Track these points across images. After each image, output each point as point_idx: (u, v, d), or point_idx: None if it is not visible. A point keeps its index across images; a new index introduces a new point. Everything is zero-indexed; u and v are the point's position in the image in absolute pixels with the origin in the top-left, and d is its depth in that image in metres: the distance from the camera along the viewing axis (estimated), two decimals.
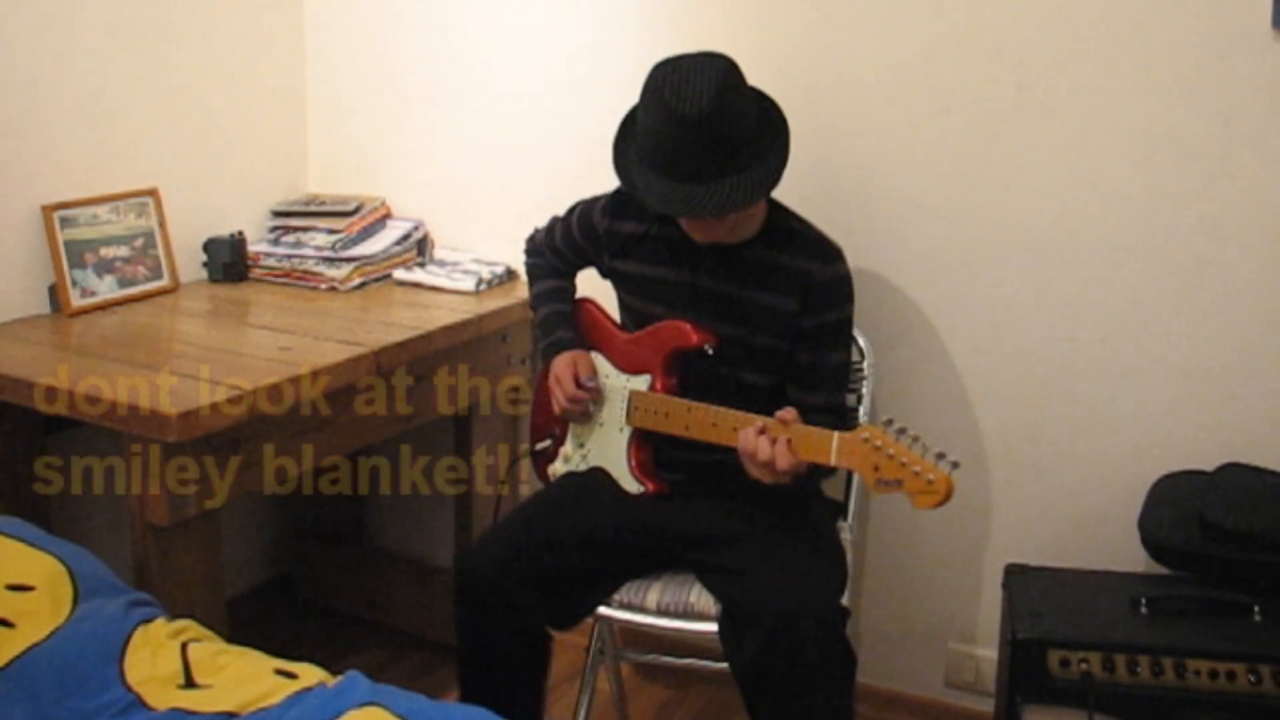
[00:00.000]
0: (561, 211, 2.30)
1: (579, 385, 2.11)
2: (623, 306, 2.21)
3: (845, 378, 2.12)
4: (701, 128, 1.86)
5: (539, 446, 2.28)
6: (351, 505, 3.11)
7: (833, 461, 1.82)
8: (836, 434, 1.82)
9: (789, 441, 1.84)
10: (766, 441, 1.85)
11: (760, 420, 1.88)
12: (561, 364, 2.15)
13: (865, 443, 1.78)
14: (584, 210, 2.22)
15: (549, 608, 2.04)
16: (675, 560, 2.09)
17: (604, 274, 2.23)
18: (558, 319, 2.23)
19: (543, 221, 2.37)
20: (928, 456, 1.75)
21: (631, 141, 2.02)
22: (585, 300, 2.28)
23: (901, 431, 1.76)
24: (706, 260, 2.07)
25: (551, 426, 2.26)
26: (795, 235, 2.07)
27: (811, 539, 2.06)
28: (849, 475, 2.31)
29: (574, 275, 2.32)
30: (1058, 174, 2.27)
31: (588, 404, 2.14)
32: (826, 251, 2.06)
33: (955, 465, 1.74)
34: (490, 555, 2.04)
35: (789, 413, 1.87)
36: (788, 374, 2.07)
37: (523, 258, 2.38)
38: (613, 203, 2.17)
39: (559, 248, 2.28)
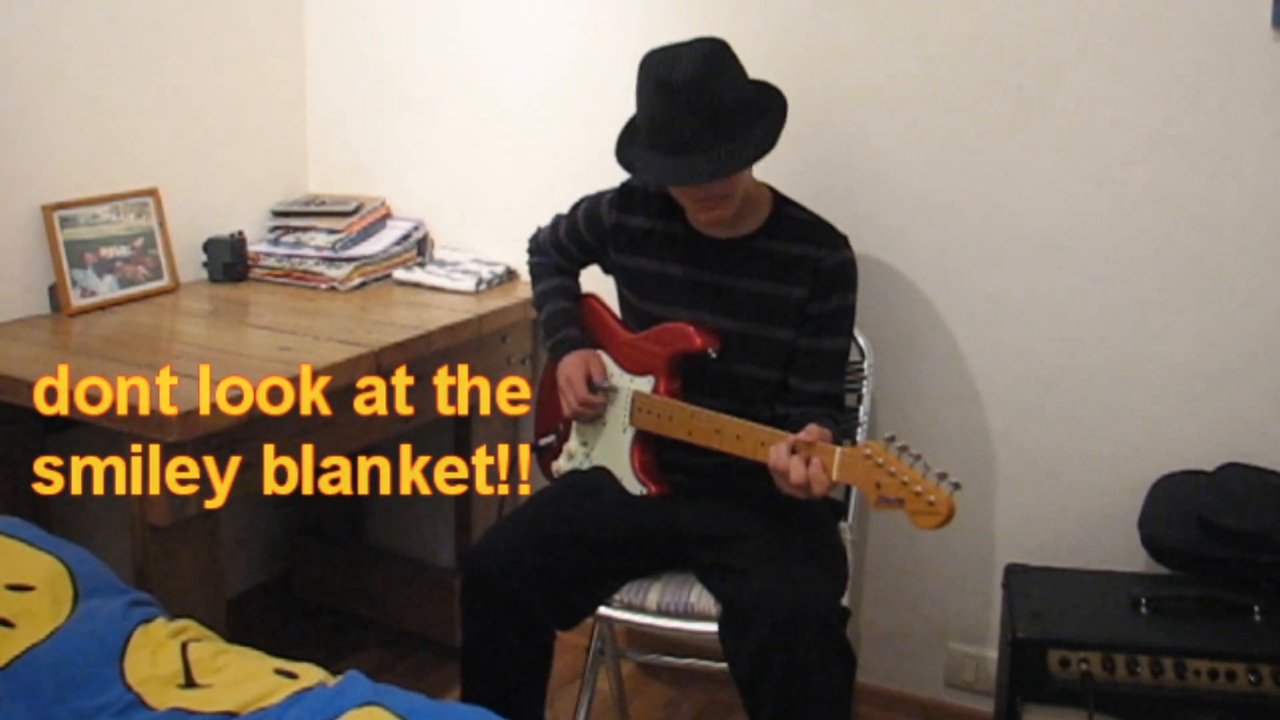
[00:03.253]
0: (564, 209, 2.30)
1: (591, 388, 2.11)
2: (624, 303, 2.21)
3: (843, 367, 2.11)
4: (688, 93, 1.88)
5: (543, 442, 2.28)
6: (351, 505, 3.11)
7: (834, 477, 1.81)
8: (838, 449, 1.81)
9: (822, 463, 1.81)
10: (800, 462, 1.82)
11: (790, 437, 1.85)
12: (572, 365, 2.14)
13: (868, 459, 1.77)
14: (590, 204, 2.22)
15: (554, 607, 2.04)
16: (676, 560, 2.09)
17: (607, 270, 2.23)
18: (564, 316, 2.23)
19: (543, 220, 2.37)
20: (930, 476, 1.73)
21: (634, 136, 2.03)
22: (590, 296, 2.28)
23: (904, 449, 1.75)
24: (714, 255, 2.08)
25: (556, 423, 2.26)
26: (801, 224, 2.07)
27: (812, 539, 2.06)
28: None
29: (578, 273, 2.32)
30: (1058, 174, 2.27)
31: (600, 407, 2.13)
32: (834, 238, 2.06)
33: (957, 487, 1.72)
34: (495, 554, 2.04)
35: (813, 431, 1.85)
36: (788, 362, 2.07)
37: (525, 257, 2.38)
38: (620, 196, 2.17)
39: (564, 244, 2.28)
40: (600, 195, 2.21)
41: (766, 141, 1.94)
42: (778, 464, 1.84)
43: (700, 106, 1.89)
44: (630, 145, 2.04)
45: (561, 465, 2.24)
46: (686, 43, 1.95)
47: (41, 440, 2.42)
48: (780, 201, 2.10)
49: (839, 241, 2.06)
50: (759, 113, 1.96)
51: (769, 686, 1.87)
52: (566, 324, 2.22)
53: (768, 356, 2.06)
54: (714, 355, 2.05)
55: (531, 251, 2.36)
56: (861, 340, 2.32)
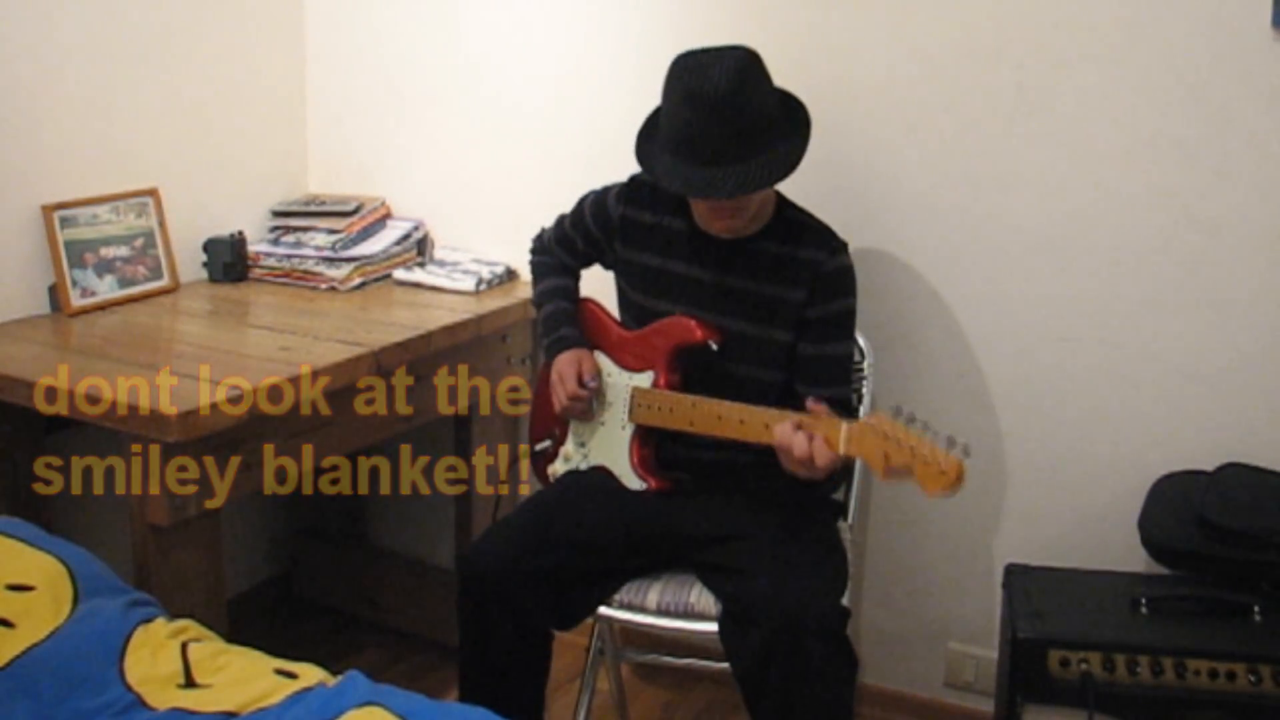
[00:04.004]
0: (565, 208, 2.30)
1: (581, 384, 2.11)
2: (623, 301, 2.21)
3: (849, 371, 2.11)
4: (720, 108, 1.87)
5: (539, 447, 2.28)
6: (351, 505, 3.11)
7: (842, 450, 1.82)
8: (845, 423, 1.82)
9: (827, 438, 1.83)
10: (804, 438, 1.84)
11: (795, 416, 1.86)
12: (565, 361, 2.15)
13: (874, 430, 1.78)
14: (597, 197, 2.22)
15: (551, 606, 2.04)
16: (676, 559, 2.09)
17: (610, 265, 2.23)
18: (562, 316, 2.23)
19: (543, 220, 2.37)
20: (938, 442, 1.74)
21: (654, 134, 2.03)
22: (587, 300, 2.28)
23: (911, 419, 1.76)
24: (716, 254, 2.08)
25: (552, 426, 2.26)
26: (802, 227, 2.08)
27: (812, 539, 2.06)
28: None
29: (579, 273, 2.32)
30: (1058, 174, 2.27)
31: (589, 403, 2.14)
32: (833, 242, 2.07)
33: (966, 452, 1.72)
34: (493, 553, 2.04)
35: (821, 406, 1.86)
36: (792, 368, 2.07)
37: (526, 257, 2.38)
38: (628, 190, 2.17)
39: (569, 237, 2.27)
40: (607, 188, 2.21)
41: (791, 161, 1.95)
42: (782, 440, 1.84)
43: (729, 121, 1.88)
44: (650, 144, 2.03)
45: (558, 469, 2.24)
46: (718, 50, 1.93)
47: (41, 440, 2.42)
48: (783, 204, 2.11)
49: (838, 246, 2.07)
50: (785, 129, 1.96)
51: (770, 687, 1.87)
52: (563, 323, 2.22)
53: (767, 357, 2.07)
54: (715, 348, 2.05)
55: (534, 250, 2.36)
56: (861, 340, 2.32)
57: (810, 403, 1.87)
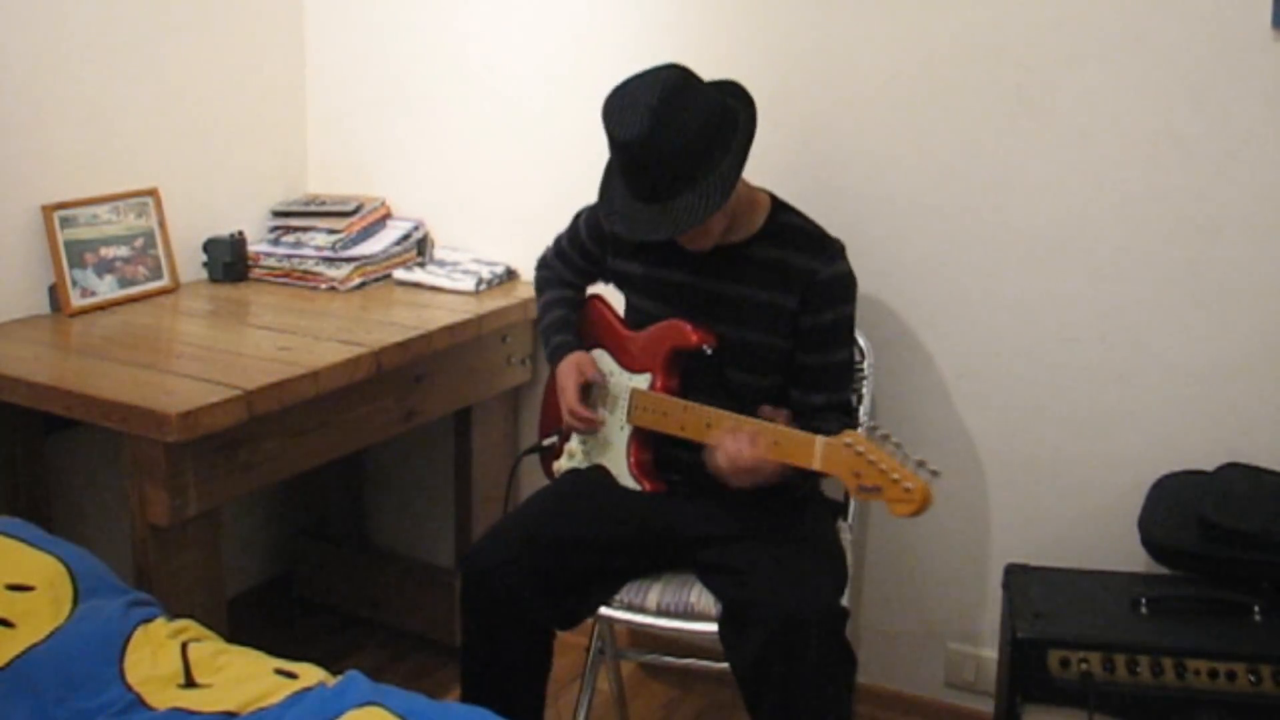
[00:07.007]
0: (564, 207, 2.31)
1: (585, 391, 2.12)
2: (629, 306, 2.22)
3: (848, 376, 2.11)
4: (641, 151, 1.87)
5: (546, 442, 2.29)
6: (351, 505, 3.11)
7: (816, 466, 1.83)
8: (819, 438, 1.82)
9: (774, 444, 1.84)
10: (740, 437, 1.87)
11: (773, 428, 1.87)
12: (564, 372, 2.16)
13: (848, 448, 1.79)
14: (591, 211, 2.22)
15: (554, 606, 2.04)
16: (676, 560, 2.09)
17: (608, 279, 2.24)
18: (560, 324, 2.24)
19: (542, 222, 2.38)
20: (908, 464, 1.75)
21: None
22: (595, 297, 2.29)
23: (885, 438, 1.77)
24: (709, 261, 2.07)
25: (558, 423, 2.26)
26: (797, 232, 2.07)
27: (812, 539, 2.06)
28: None
29: (581, 286, 2.32)
30: (1058, 174, 2.27)
31: (592, 422, 2.13)
32: (829, 249, 2.05)
33: (935, 474, 1.74)
34: (495, 554, 2.04)
35: (779, 413, 1.87)
36: (788, 375, 2.07)
37: (525, 256, 2.39)
38: None
39: (567, 253, 2.28)
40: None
41: (726, 185, 1.90)
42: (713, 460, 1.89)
43: (652, 162, 1.88)
44: (613, 179, 2.04)
45: (561, 465, 2.25)
46: (637, 84, 1.91)
47: (41, 440, 2.42)
48: (778, 207, 2.10)
49: (834, 252, 2.05)
50: (722, 145, 1.92)
51: (770, 687, 1.87)
52: (560, 330, 2.23)
53: (762, 363, 2.06)
54: (709, 351, 2.05)
55: (538, 267, 2.37)
56: (861, 340, 2.32)
57: (766, 409, 1.88)
